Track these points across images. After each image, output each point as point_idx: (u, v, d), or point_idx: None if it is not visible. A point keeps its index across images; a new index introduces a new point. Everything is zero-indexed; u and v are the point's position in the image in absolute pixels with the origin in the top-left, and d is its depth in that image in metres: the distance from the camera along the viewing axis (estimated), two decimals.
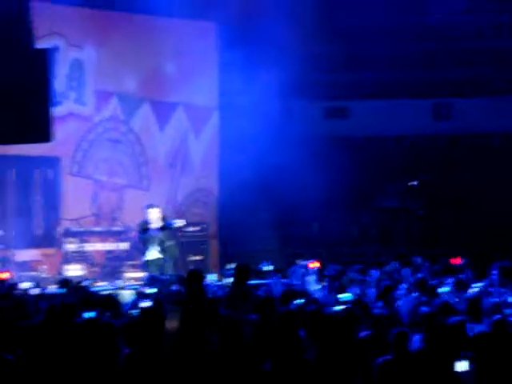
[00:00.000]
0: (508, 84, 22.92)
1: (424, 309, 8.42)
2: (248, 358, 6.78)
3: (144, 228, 14.08)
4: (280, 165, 18.29)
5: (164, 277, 11.80)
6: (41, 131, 8.43)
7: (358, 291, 10.78)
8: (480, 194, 21.48)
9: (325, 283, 12.21)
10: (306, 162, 19.42)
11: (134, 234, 16.82)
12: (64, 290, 9.92)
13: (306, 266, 13.48)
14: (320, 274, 13.00)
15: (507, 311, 8.71)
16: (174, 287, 10.10)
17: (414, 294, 10.18)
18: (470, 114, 22.44)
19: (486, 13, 22.92)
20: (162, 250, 13.91)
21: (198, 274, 9.17)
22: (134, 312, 8.89)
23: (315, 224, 20.76)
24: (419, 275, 11.68)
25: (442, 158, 22.36)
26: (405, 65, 22.97)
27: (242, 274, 9.66)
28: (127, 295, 11.14)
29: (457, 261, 14.39)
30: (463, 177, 21.88)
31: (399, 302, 9.81)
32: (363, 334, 7.71)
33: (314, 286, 12.36)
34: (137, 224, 14.54)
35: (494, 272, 11.80)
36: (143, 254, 14.13)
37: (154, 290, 10.25)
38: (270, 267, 13.71)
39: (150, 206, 14.38)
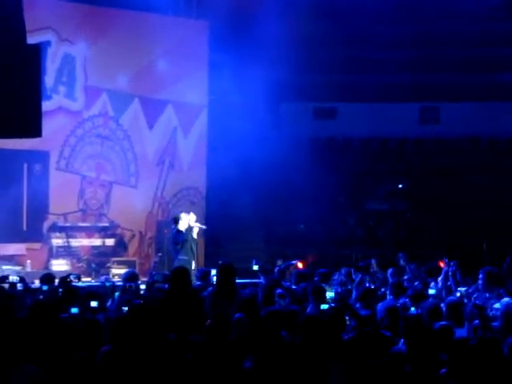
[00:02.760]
0: (495, 90, 23.06)
1: (411, 312, 8.47)
2: (230, 356, 6.82)
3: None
4: (267, 164, 18.34)
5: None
6: (31, 126, 8.44)
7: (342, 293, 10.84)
8: (467, 197, 21.61)
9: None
10: (294, 163, 19.48)
11: (120, 230, 16.87)
12: (46, 287, 9.89)
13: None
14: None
15: (490, 315, 8.79)
16: (159, 285, 10.15)
17: (390, 297, 10.25)
18: (457, 118, 22.57)
19: (474, 20, 23.05)
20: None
21: (182, 272, 9.19)
22: (119, 308, 8.92)
23: (302, 225, 20.83)
24: (393, 279, 11.73)
25: (428, 161, 22.48)
26: (393, 69, 23.08)
27: (225, 273, 9.67)
28: None
29: (442, 263, 14.44)
30: (450, 180, 22.00)
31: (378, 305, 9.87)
32: (348, 335, 7.76)
33: None
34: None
35: (480, 277, 11.89)
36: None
37: (141, 287, 10.28)
38: (256, 266, 13.75)
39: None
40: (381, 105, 22.99)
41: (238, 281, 11.77)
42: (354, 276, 12.48)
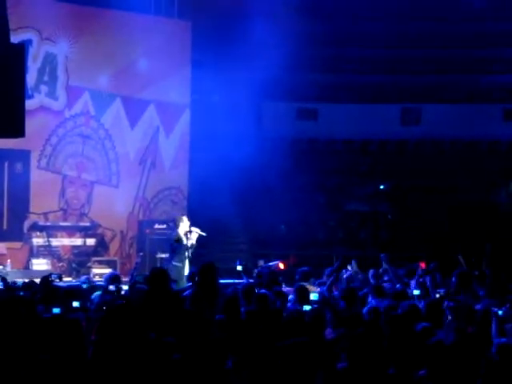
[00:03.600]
0: (476, 91, 23.18)
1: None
2: (212, 355, 6.82)
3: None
4: (250, 164, 18.35)
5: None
6: (15, 126, 8.40)
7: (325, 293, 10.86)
8: (448, 198, 21.71)
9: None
10: (276, 163, 19.50)
11: (101, 230, 16.82)
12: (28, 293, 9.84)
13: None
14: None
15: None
16: (140, 286, 10.13)
17: (371, 299, 10.28)
18: (438, 119, 22.66)
19: (457, 21, 23.15)
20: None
21: (161, 273, 9.17)
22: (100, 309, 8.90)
23: (283, 225, 20.85)
24: (374, 281, 11.77)
25: (409, 162, 22.55)
26: (375, 69, 23.15)
27: (207, 273, 9.66)
28: None
29: (423, 264, 14.50)
30: (431, 181, 22.09)
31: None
32: (330, 335, 7.78)
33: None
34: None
35: (453, 279, 11.99)
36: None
37: (123, 288, 10.26)
38: (240, 267, 13.76)
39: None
40: (362, 106, 23.05)
41: (221, 281, 11.86)
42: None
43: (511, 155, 18.77)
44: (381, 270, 12.84)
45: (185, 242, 13.96)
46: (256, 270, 12.94)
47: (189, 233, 13.97)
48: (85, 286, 11.14)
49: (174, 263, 13.86)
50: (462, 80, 23.17)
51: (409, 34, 23.11)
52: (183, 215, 14.45)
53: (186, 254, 13.92)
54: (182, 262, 13.75)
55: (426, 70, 23.08)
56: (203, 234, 14.13)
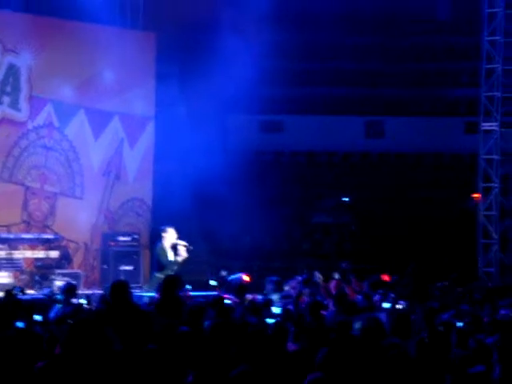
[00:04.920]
0: (439, 104, 23.44)
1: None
2: (172, 369, 6.80)
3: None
4: (214, 177, 18.36)
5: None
6: None
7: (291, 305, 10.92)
8: (410, 210, 21.88)
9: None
10: (240, 175, 19.53)
11: (64, 242, 16.70)
12: None
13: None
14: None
15: None
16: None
17: (333, 309, 10.35)
18: (401, 132, 22.87)
19: (420, 34, 23.40)
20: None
21: (122, 285, 9.13)
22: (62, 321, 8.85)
23: (247, 237, 20.87)
24: (336, 292, 11.88)
25: (373, 174, 22.72)
26: (339, 82, 23.30)
27: (169, 285, 9.65)
28: None
29: (386, 277, 14.63)
30: (394, 194, 22.26)
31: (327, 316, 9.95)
32: (293, 347, 7.79)
33: None
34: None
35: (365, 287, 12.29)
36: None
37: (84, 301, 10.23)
38: (214, 282, 13.78)
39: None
40: (327, 118, 23.19)
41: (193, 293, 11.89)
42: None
43: (473, 168, 18.97)
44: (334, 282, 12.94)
45: (169, 254, 13.78)
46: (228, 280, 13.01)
47: (175, 246, 13.77)
48: (47, 298, 11.09)
49: (156, 274, 13.77)
50: (424, 93, 23.43)
51: (373, 48, 23.33)
52: (169, 227, 14.12)
53: (172, 266, 13.77)
54: (163, 273, 13.57)
55: (389, 84, 23.29)
56: (190, 247, 13.93)
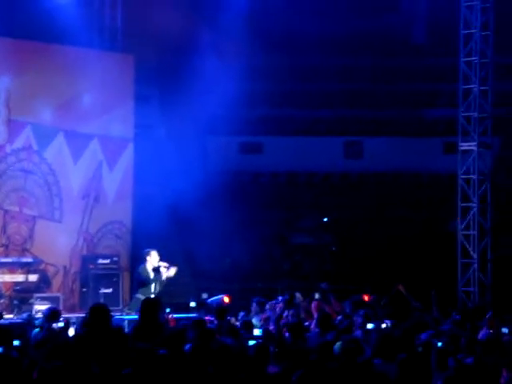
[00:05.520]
0: (417, 125, 23.60)
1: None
2: None
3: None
4: (194, 198, 18.35)
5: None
6: None
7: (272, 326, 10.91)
8: (390, 230, 21.96)
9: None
10: (220, 197, 19.55)
11: (43, 265, 16.61)
12: None
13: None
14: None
15: None
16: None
17: (316, 330, 10.35)
18: (381, 152, 22.99)
19: (398, 55, 23.59)
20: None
21: (101, 308, 9.10)
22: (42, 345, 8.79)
23: (227, 259, 20.85)
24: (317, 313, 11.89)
25: (352, 194, 22.80)
26: (317, 103, 23.42)
27: (149, 308, 9.63)
28: None
29: (367, 297, 14.64)
30: (373, 214, 22.34)
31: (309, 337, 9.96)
32: (273, 369, 7.78)
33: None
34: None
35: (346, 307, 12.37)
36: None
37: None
38: (193, 303, 13.79)
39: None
40: (306, 139, 23.28)
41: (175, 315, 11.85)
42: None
43: (451, 187, 19.08)
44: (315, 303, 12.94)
45: (152, 276, 13.82)
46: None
47: (157, 269, 13.82)
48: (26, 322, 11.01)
49: (137, 296, 13.75)
50: (403, 114, 23.59)
51: (351, 69, 23.47)
52: (152, 250, 14.20)
53: (153, 288, 13.78)
54: (145, 294, 13.55)
55: (367, 104, 23.43)
56: (173, 267, 13.96)
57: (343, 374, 7.17)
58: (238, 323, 11.54)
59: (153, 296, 13.44)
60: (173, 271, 13.93)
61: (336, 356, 8.08)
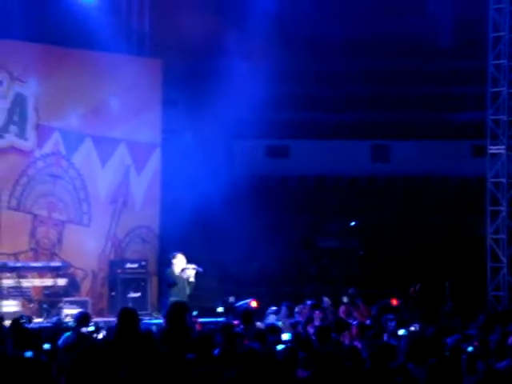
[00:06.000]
0: (444, 128, 23.45)
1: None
2: None
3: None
4: (221, 203, 18.36)
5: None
6: None
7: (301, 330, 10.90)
8: (417, 234, 21.82)
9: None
10: (247, 201, 19.53)
11: (72, 270, 16.70)
12: None
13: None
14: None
15: None
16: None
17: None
18: (407, 156, 22.86)
19: (424, 58, 23.47)
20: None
21: (129, 313, 9.12)
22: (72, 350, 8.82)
23: (255, 263, 20.83)
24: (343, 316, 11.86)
25: (379, 199, 22.69)
26: (345, 106, 23.35)
27: (177, 312, 9.64)
28: None
29: (395, 301, 14.59)
30: (401, 218, 22.21)
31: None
32: (303, 374, 7.76)
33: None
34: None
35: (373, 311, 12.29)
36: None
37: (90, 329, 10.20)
38: (221, 308, 13.81)
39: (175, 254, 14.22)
40: (333, 142, 23.21)
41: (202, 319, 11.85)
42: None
43: (480, 191, 18.94)
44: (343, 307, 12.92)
45: (179, 278, 13.86)
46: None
47: (185, 270, 13.88)
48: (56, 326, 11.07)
49: (171, 299, 13.79)
50: (430, 117, 23.45)
51: (379, 72, 23.38)
52: (179, 253, 14.24)
53: (184, 289, 13.80)
54: (178, 296, 13.55)
55: (394, 108, 23.33)
56: (199, 269, 14.02)
57: (377, 380, 7.12)
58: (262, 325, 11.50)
59: (186, 297, 13.47)
60: (192, 272, 13.90)
61: (368, 361, 8.04)
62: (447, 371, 7.53)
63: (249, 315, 11.52)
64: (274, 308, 13.65)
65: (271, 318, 13.12)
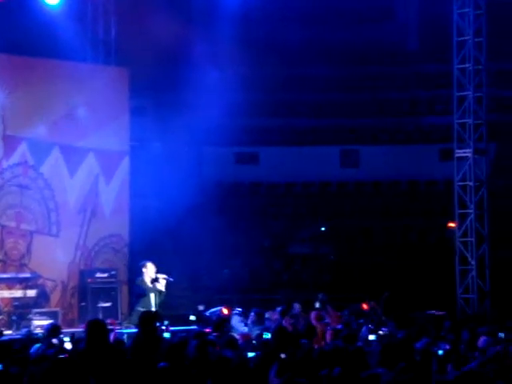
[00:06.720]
0: (412, 133, 23.63)
1: None
2: None
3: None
4: (191, 211, 18.35)
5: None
6: None
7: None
8: (387, 238, 21.96)
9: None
10: (217, 208, 19.54)
11: (41, 280, 16.57)
12: None
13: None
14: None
15: None
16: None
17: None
18: (376, 161, 23.00)
19: (391, 63, 23.63)
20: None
21: (98, 323, 9.07)
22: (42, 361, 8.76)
23: (226, 270, 20.81)
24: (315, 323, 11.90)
25: (349, 203, 22.81)
26: (314, 113, 23.46)
27: (148, 321, 9.62)
28: None
29: (365, 305, 14.64)
30: (370, 222, 22.34)
31: None
32: (275, 381, 7.76)
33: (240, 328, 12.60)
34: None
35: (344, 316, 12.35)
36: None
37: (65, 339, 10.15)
38: (193, 317, 13.78)
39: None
40: (302, 148, 23.30)
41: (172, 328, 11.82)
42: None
43: (448, 195, 19.08)
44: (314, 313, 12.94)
45: (149, 288, 13.83)
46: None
47: (155, 280, 13.85)
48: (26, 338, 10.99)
49: (137, 308, 13.73)
50: (398, 122, 23.62)
51: (346, 78, 23.51)
52: (148, 261, 14.22)
53: (153, 300, 13.78)
54: (146, 307, 13.54)
55: (362, 113, 23.46)
56: (170, 279, 14.00)
57: None
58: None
59: (153, 308, 13.43)
60: (163, 282, 13.90)
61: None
62: (416, 375, 7.58)
63: (221, 323, 11.51)
64: (240, 309, 13.68)
65: (235, 320, 13.15)
